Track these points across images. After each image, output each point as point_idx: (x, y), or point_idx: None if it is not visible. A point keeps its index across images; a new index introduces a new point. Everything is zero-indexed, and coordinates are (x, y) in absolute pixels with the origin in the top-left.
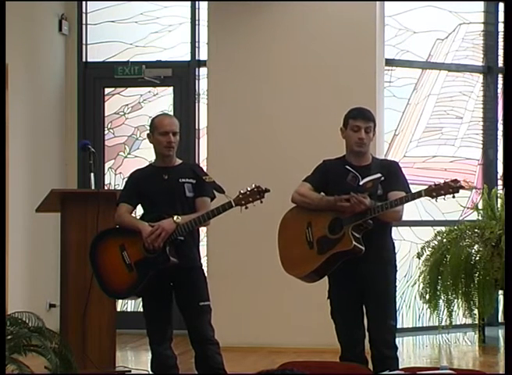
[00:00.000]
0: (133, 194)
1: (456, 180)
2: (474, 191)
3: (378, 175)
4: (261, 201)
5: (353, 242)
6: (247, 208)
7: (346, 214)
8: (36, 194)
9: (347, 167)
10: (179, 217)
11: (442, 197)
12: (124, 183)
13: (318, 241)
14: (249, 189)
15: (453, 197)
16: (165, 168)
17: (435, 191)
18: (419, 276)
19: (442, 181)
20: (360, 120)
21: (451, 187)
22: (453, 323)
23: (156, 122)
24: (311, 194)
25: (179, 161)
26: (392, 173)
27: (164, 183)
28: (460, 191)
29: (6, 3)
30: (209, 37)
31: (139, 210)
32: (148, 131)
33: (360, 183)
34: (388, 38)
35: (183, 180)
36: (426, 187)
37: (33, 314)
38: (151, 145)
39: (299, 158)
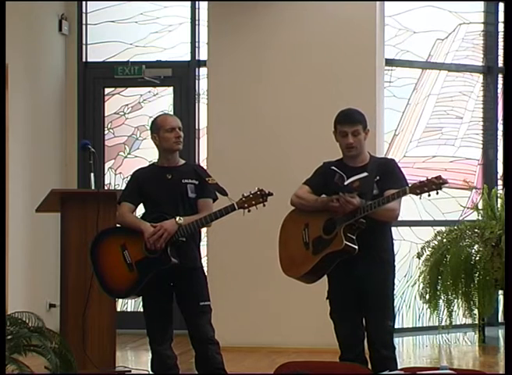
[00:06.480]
0: (136, 194)
1: (439, 176)
2: (474, 191)
3: (364, 174)
4: (264, 205)
5: (344, 242)
6: (249, 211)
7: (338, 214)
8: (36, 194)
9: (333, 168)
10: (182, 218)
11: (427, 193)
12: (126, 182)
13: (313, 242)
14: (252, 192)
15: (437, 193)
16: (168, 168)
17: (419, 189)
18: (419, 276)
19: (425, 178)
20: (346, 125)
21: (434, 184)
22: (453, 323)
23: (160, 121)
24: (307, 196)
25: (182, 161)
26: (388, 172)
27: (167, 183)
28: (460, 191)
29: (6, 3)
30: (209, 37)
31: (139, 209)
32: (151, 133)
33: (345, 183)
34: (388, 38)
35: (186, 180)
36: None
37: (33, 314)
38: (151, 145)
39: (299, 158)
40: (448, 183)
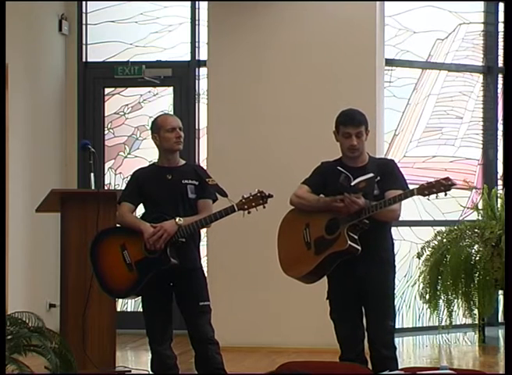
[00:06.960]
0: (136, 193)
1: (447, 178)
2: (474, 191)
3: (371, 175)
4: (264, 207)
5: (348, 242)
6: (249, 212)
7: (342, 214)
8: (36, 194)
9: (339, 168)
10: (181, 219)
11: (435, 195)
12: (126, 181)
13: (315, 242)
14: (252, 194)
15: (445, 195)
16: (168, 168)
17: (427, 190)
18: (419, 276)
19: (433, 180)
20: (350, 127)
21: (443, 185)
22: (453, 323)
23: (160, 121)
24: (308, 196)
25: (182, 161)
26: (388, 172)
27: (167, 183)
28: (460, 191)
29: (6, 3)
30: (209, 37)
31: (139, 209)
32: (151, 133)
33: (352, 183)
34: (388, 38)
35: (186, 181)
36: (418, 185)
37: (33, 314)
38: (151, 145)
39: (299, 159)
40: (457, 184)
